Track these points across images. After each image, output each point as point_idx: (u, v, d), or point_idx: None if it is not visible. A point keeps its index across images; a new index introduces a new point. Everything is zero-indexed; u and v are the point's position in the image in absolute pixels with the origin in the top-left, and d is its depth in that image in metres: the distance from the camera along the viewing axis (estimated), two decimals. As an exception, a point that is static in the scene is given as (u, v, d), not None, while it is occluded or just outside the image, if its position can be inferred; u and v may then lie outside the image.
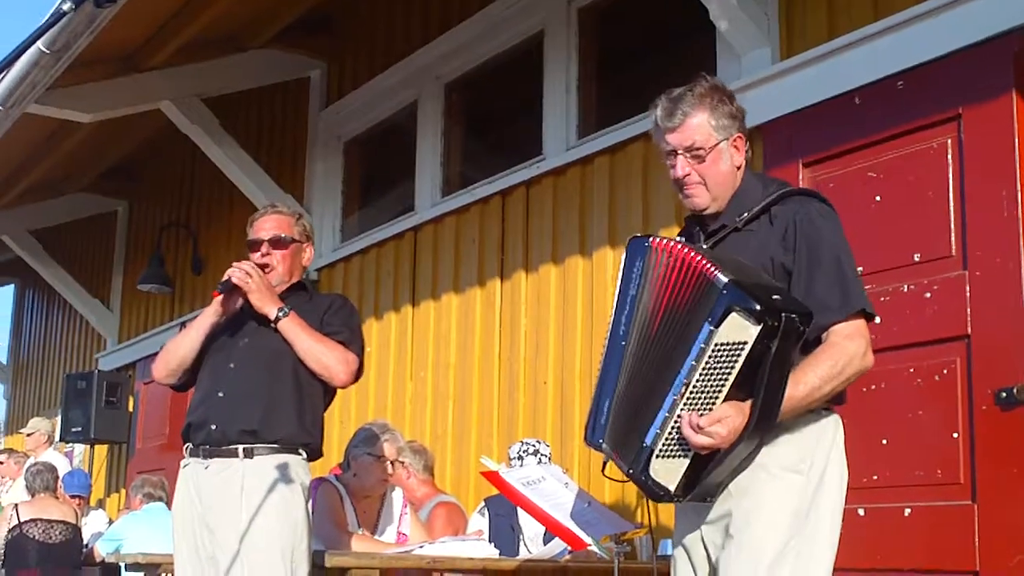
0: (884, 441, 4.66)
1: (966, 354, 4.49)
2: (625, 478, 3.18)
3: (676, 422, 2.98)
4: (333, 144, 8.97)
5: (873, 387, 4.65)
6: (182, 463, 4.49)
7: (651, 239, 3.19)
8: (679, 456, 3.01)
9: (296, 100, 9.38)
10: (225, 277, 4.37)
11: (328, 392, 4.53)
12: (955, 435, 4.47)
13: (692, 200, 3.28)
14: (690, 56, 6.28)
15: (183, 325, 10.67)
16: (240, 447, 4.28)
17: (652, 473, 3.05)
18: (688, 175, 3.23)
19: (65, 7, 2.92)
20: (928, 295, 4.62)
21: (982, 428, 4.40)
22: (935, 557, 4.45)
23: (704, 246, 3.25)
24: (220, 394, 4.37)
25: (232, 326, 4.49)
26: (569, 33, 6.89)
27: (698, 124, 3.23)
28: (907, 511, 4.55)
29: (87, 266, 13.24)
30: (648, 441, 3.05)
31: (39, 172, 10.77)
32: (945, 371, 4.54)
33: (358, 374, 4.47)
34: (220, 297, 4.43)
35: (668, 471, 3.04)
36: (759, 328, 2.85)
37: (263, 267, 4.49)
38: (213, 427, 4.33)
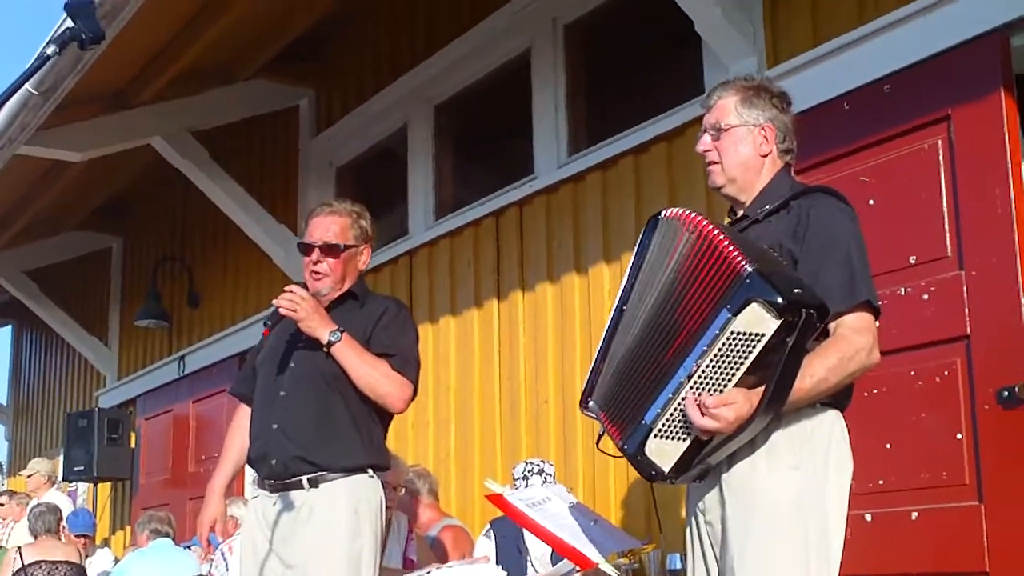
0: (888, 445, 4.64)
1: (966, 354, 4.47)
2: (619, 453, 3.19)
3: (680, 404, 2.97)
4: (325, 171, 8.97)
5: (875, 391, 4.64)
6: (251, 494, 4.41)
7: (680, 212, 3.18)
8: (678, 438, 3.00)
9: (286, 129, 9.38)
10: (272, 308, 4.23)
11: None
12: (959, 436, 4.45)
13: (710, 177, 3.41)
14: (677, 68, 6.28)
15: (182, 359, 10.72)
16: (304, 478, 4.16)
17: (648, 452, 3.05)
18: (707, 152, 3.37)
19: (49, 51, 2.92)
20: (926, 297, 4.61)
21: (985, 428, 4.38)
22: (944, 560, 4.43)
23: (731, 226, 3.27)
24: (275, 426, 4.25)
25: (280, 347, 4.36)
26: (556, 51, 6.90)
27: (724, 105, 3.37)
28: (914, 515, 4.53)
29: (84, 304, 13.22)
30: (648, 420, 3.04)
31: (32, 212, 10.78)
32: (946, 372, 4.53)
33: (414, 396, 4.30)
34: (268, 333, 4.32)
35: (664, 452, 3.03)
36: (779, 322, 2.83)
37: (316, 274, 4.37)
38: (274, 462, 4.22)
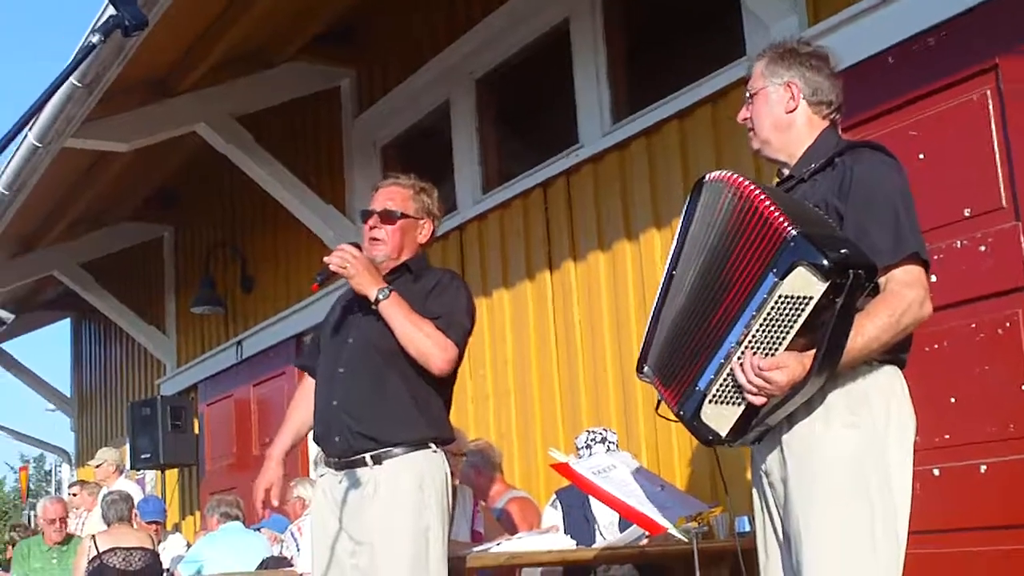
0: (952, 399, 4.63)
1: (1026, 305, 4.45)
2: (676, 419, 3.22)
3: (732, 369, 2.99)
4: (369, 150, 9.00)
5: (936, 346, 4.62)
6: (319, 471, 4.42)
7: (724, 175, 3.19)
8: (733, 403, 3.02)
9: (329, 109, 9.41)
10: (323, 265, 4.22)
11: (453, 371, 4.29)
12: (1023, 387, 4.43)
13: (749, 144, 3.45)
14: (717, 31, 6.24)
15: (239, 344, 10.81)
16: (367, 455, 4.15)
17: (703, 417, 3.08)
18: (744, 119, 3.42)
19: (94, 39, 2.92)
20: (983, 248, 4.58)
21: (1049, 378, 4.36)
22: (1015, 512, 4.41)
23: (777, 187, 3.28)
24: (335, 403, 4.25)
25: (340, 323, 4.36)
26: (595, 19, 6.88)
27: (755, 71, 3.43)
28: (983, 468, 4.52)
29: (139, 294, 13.35)
30: (702, 386, 3.07)
31: (82, 204, 10.89)
32: (1008, 324, 4.50)
33: (459, 359, 4.24)
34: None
35: (720, 416, 3.06)
36: (826, 285, 2.83)
37: (372, 240, 4.35)
38: (336, 439, 4.22)
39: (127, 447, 11.90)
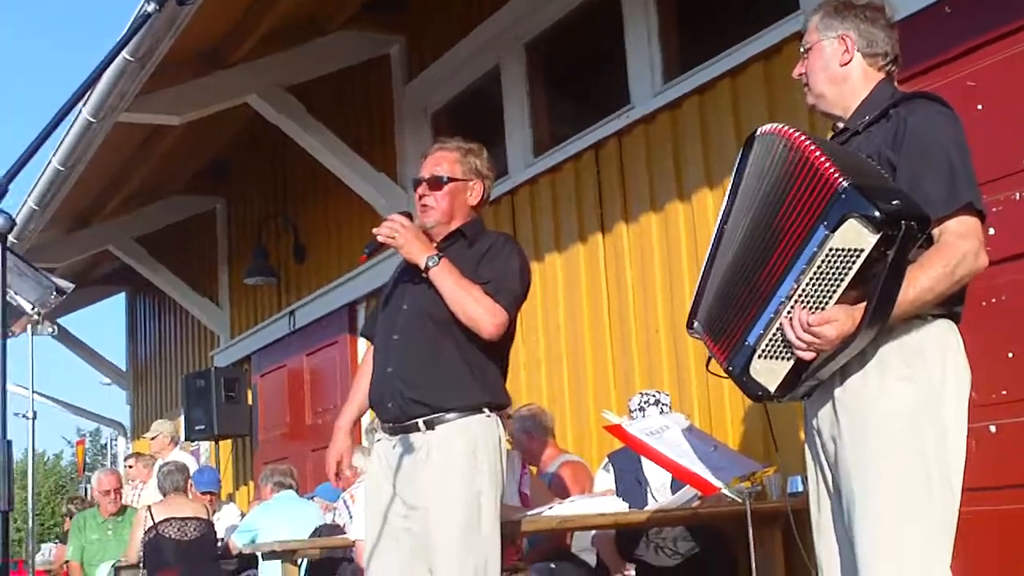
0: (1011, 354, 4.55)
1: (1086, 256, 4.36)
2: (726, 375, 3.19)
3: (781, 324, 2.95)
4: (420, 117, 8.98)
5: (994, 300, 4.55)
6: (376, 437, 4.43)
7: (775, 127, 3.16)
8: (783, 357, 2.99)
9: (379, 77, 9.40)
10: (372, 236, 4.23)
11: (509, 335, 4.28)
12: (1082, 341, 4.34)
13: (805, 99, 3.41)
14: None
15: (292, 314, 10.85)
16: (420, 420, 4.15)
17: (753, 373, 3.05)
18: (800, 74, 3.38)
19: (149, 8, 2.92)
20: (1042, 201, 4.49)
21: (1112, 330, 4.27)
22: (1074, 467, 4.34)
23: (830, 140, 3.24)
24: (389, 369, 4.26)
25: (396, 290, 4.38)
26: (645, -22, 6.81)
27: (810, 25, 3.39)
28: (1041, 424, 4.44)
29: (193, 266, 13.45)
30: (751, 341, 3.04)
31: (136, 179, 10.98)
32: (1066, 276, 4.42)
33: (510, 324, 4.21)
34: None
35: (769, 371, 3.02)
36: (877, 237, 2.78)
37: (423, 208, 4.36)
38: (390, 405, 4.23)
39: (181, 419, 12.00)
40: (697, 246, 6.18)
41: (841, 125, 3.31)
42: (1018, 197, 4.56)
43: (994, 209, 4.52)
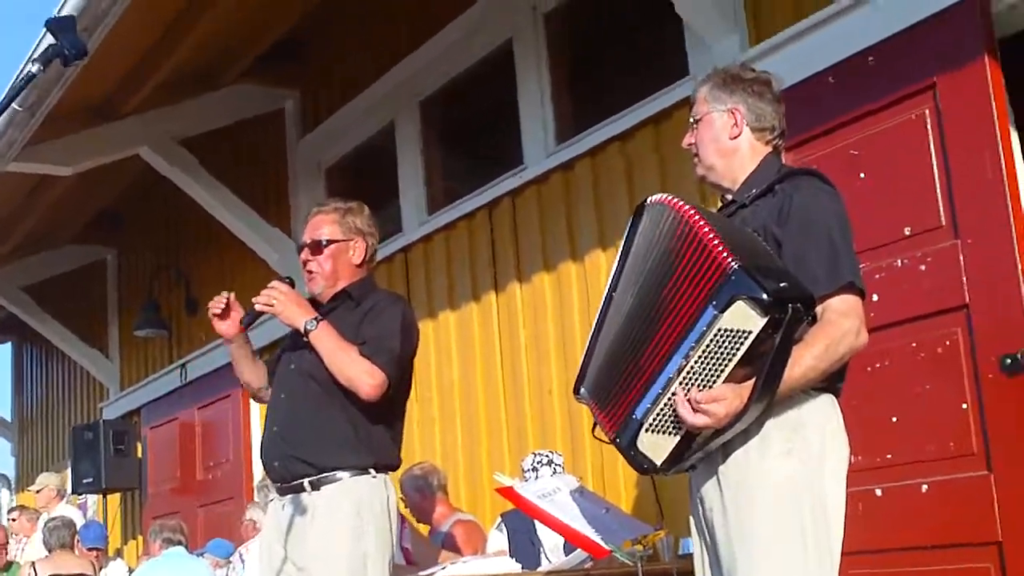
0: (894, 419, 4.63)
1: (966, 323, 4.45)
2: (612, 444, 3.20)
3: (670, 399, 2.97)
4: (314, 172, 8.96)
5: (877, 365, 4.63)
6: (269, 498, 4.40)
7: (665, 198, 3.17)
8: (669, 432, 3.01)
9: (274, 131, 9.35)
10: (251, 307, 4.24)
11: (399, 395, 4.28)
12: (964, 406, 4.43)
13: (695, 170, 3.45)
14: (661, 50, 6.24)
15: (183, 367, 10.71)
16: (305, 480, 4.15)
17: (640, 446, 3.06)
18: (690, 145, 3.43)
19: (33, 69, 2.89)
20: (923, 267, 4.59)
21: (990, 396, 4.36)
22: (956, 531, 4.41)
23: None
24: (275, 429, 4.28)
25: (288, 348, 4.38)
26: (537, 40, 6.88)
27: (698, 96, 3.43)
28: (924, 487, 4.51)
29: (82, 317, 13.19)
30: (639, 415, 3.05)
31: (24, 228, 10.79)
32: (947, 342, 4.51)
33: (388, 385, 4.14)
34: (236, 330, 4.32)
35: (656, 446, 3.04)
36: (765, 320, 2.82)
37: (308, 274, 4.38)
38: (276, 464, 4.23)
39: (68, 472, 11.77)
40: (590, 307, 6.21)
41: (729, 197, 3.36)
42: (899, 264, 4.66)
43: (877, 276, 4.63)
